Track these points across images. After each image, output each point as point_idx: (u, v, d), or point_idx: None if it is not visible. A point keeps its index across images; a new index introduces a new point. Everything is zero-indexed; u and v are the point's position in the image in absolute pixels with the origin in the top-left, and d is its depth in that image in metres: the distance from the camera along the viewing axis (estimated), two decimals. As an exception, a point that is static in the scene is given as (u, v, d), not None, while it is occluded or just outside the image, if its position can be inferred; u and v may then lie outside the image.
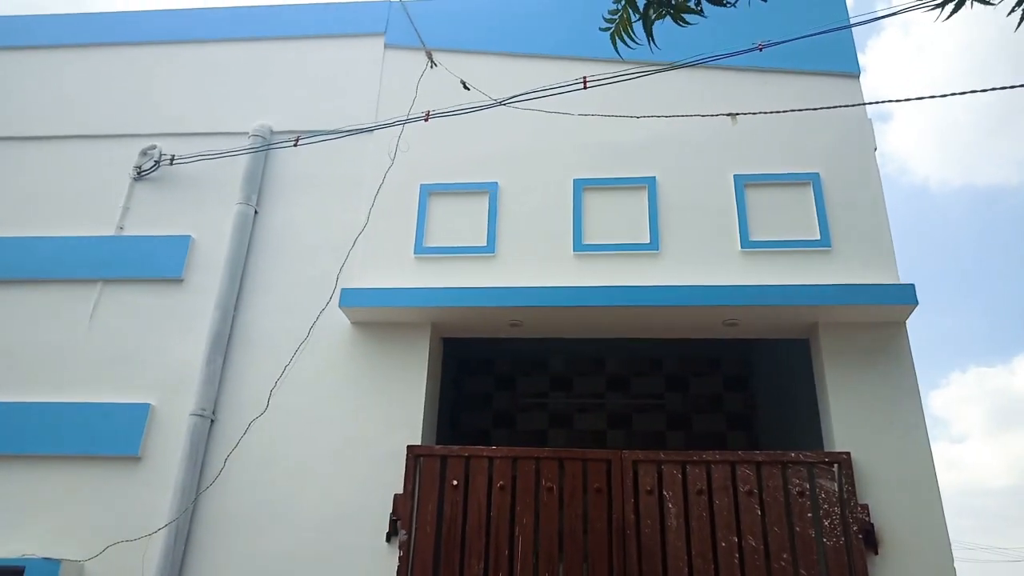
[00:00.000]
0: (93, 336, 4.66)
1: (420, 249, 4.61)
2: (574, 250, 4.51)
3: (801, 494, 3.87)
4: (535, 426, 6.88)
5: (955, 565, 3.68)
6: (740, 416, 6.82)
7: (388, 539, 3.99)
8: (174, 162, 5.05)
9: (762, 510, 3.87)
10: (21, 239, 5.00)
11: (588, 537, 3.92)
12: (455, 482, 4.07)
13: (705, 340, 4.87)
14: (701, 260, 4.44)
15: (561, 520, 3.97)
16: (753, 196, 4.55)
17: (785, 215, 4.49)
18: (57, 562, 3.91)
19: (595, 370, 7.11)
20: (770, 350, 6.12)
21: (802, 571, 3.72)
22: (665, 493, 3.97)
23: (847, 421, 4.01)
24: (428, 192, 4.76)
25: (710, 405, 6.90)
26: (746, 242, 4.43)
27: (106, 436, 4.30)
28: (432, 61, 4.79)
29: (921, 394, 4.03)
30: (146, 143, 5.16)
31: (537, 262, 4.52)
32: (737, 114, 4.30)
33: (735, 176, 4.59)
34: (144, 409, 4.36)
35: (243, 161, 4.98)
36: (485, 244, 4.59)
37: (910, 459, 3.90)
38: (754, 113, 4.38)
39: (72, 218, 5.04)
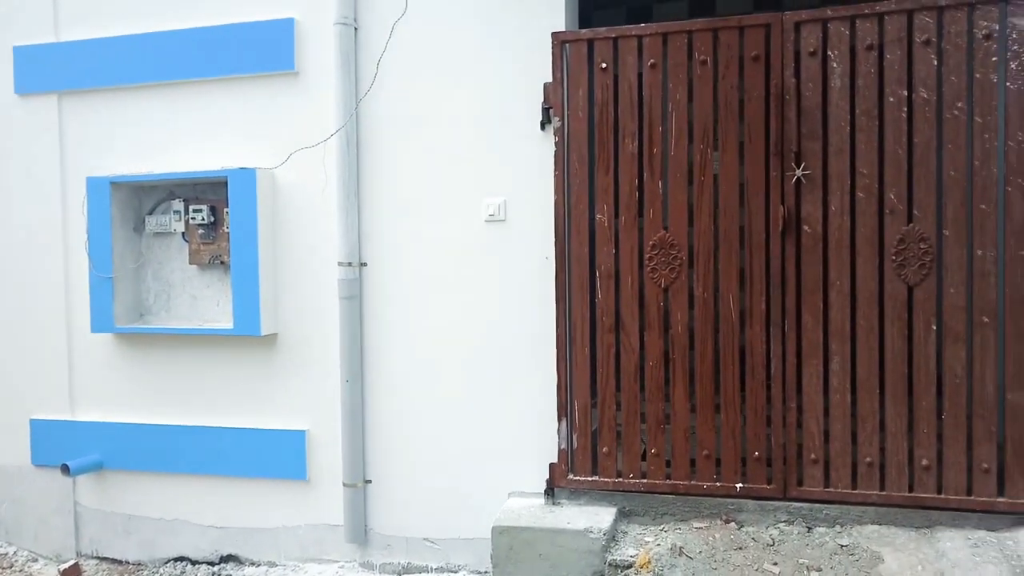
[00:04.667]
0: (219, -42, 4.58)
1: None
2: None
3: (988, 37, 3.52)
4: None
5: None
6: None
7: (542, 127, 4.12)
8: None
9: (939, 60, 3.59)
10: None
11: (745, 108, 3.86)
12: (603, 65, 3.99)
13: None
14: None
15: (715, 93, 3.89)
16: None
17: None
18: (252, 170, 4.37)
19: (739, -58, 6.33)
20: None
21: (976, 118, 3.55)
22: (830, 53, 3.74)
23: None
24: None
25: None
26: None
27: (260, 53, 4.44)
28: None
29: None
30: None
31: None
32: None
33: None
34: (289, 24, 4.40)
35: None
36: None
37: None
38: None
39: None
